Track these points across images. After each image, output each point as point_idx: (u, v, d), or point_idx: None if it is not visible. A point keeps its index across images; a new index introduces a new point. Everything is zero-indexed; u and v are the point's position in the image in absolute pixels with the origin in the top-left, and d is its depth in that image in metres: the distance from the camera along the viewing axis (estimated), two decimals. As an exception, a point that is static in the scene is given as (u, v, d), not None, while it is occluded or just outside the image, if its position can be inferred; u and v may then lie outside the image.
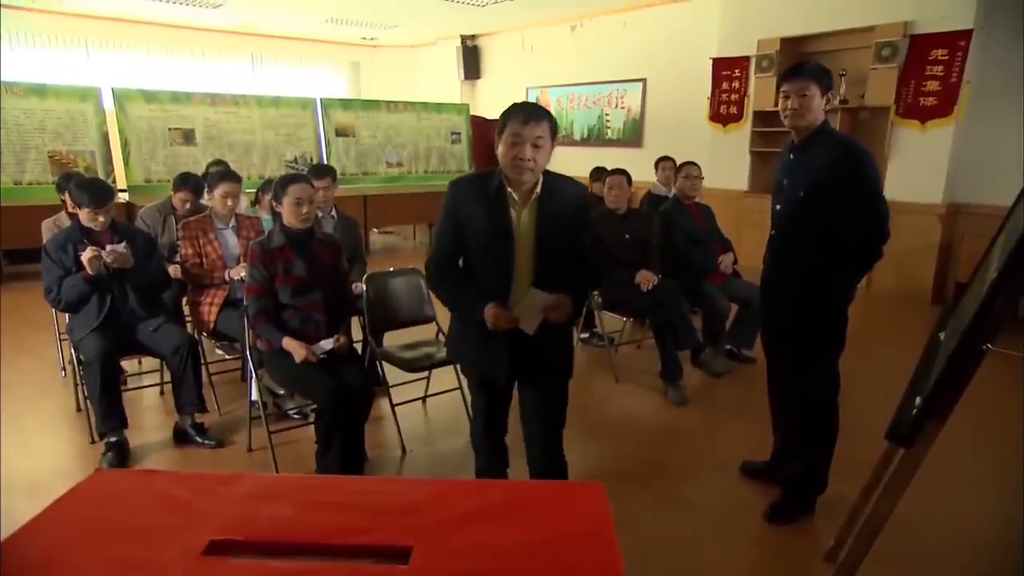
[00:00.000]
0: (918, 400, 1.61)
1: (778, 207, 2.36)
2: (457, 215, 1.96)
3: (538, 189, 1.93)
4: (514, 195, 1.92)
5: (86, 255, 2.82)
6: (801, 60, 2.30)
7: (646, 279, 3.74)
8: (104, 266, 2.86)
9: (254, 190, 4.71)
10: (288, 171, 7.94)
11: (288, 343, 2.62)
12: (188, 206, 3.96)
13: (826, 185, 2.15)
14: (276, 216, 2.77)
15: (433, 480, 0.72)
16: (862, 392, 3.51)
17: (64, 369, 3.79)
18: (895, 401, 1.93)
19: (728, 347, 4.10)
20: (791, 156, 2.32)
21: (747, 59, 6.71)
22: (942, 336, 1.95)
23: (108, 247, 2.85)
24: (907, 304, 5.56)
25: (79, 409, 3.29)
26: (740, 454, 2.87)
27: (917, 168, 5.45)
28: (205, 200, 3.95)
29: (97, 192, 2.91)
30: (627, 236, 3.90)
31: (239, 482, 0.74)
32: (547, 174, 1.96)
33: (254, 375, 2.93)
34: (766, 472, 2.70)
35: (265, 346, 2.72)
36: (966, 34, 5.18)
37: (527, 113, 1.83)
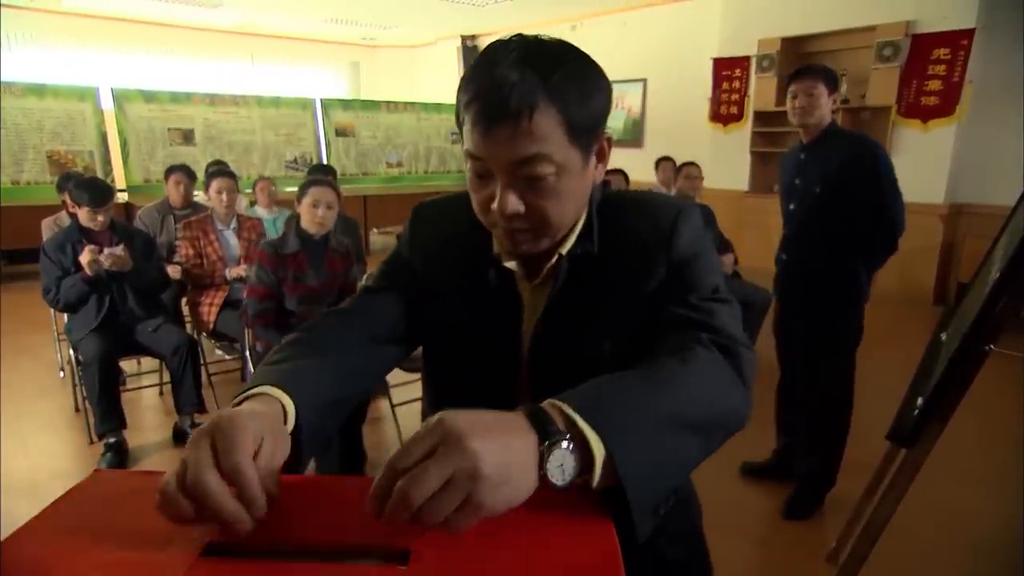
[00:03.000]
0: (919, 401, 1.61)
1: (791, 206, 2.40)
2: (419, 275, 0.95)
3: (567, 246, 0.85)
4: (511, 265, 0.87)
5: (84, 256, 2.81)
6: (809, 63, 2.37)
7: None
8: (103, 269, 2.85)
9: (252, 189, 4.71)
10: (288, 172, 7.97)
11: None
12: (182, 188, 3.93)
13: (844, 180, 2.21)
14: (295, 219, 2.73)
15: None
16: (863, 392, 3.49)
17: (63, 369, 3.78)
18: (896, 401, 1.93)
19: (728, 347, 4.08)
20: (802, 155, 2.37)
21: (748, 59, 6.71)
22: (943, 337, 1.94)
23: (106, 250, 2.84)
24: (909, 304, 5.55)
25: (78, 410, 3.28)
26: (740, 454, 2.87)
27: (919, 168, 5.44)
28: (203, 200, 3.96)
29: (96, 191, 2.91)
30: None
31: (238, 483, 0.73)
32: (612, 202, 0.89)
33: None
34: (767, 472, 2.71)
35: (263, 347, 2.70)
36: (968, 33, 5.18)
37: (495, 105, 0.72)
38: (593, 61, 0.78)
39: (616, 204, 0.89)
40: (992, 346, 1.41)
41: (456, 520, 0.55)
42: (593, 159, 0.82)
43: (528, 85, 0.72)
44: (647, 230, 0.85)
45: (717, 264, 0.89)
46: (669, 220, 0.85)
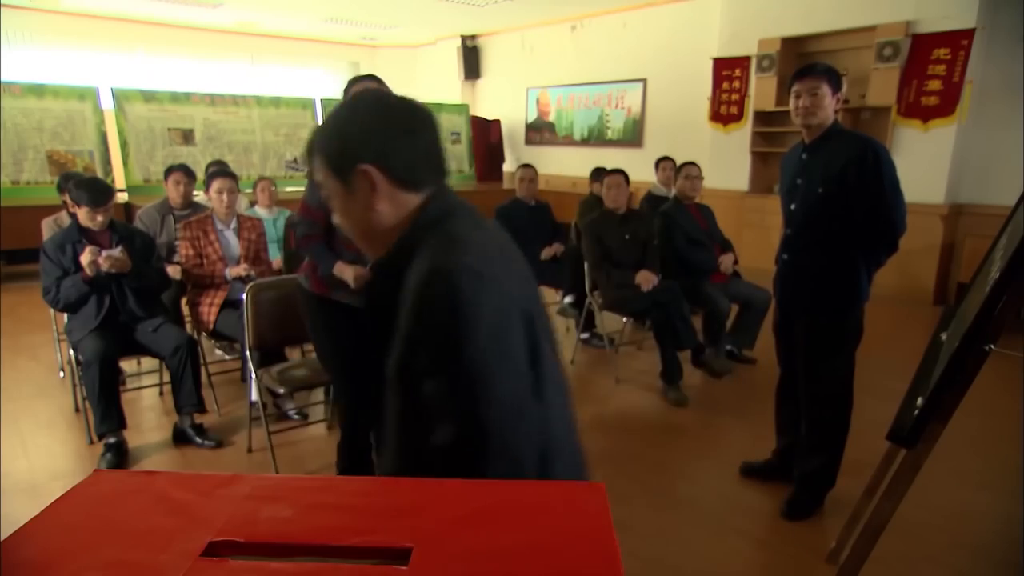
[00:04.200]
0: (919, 401, 1.61)
1: (793, 206, 2.39)
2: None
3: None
4: None
5: (85, 257, 2.81)
6: (813, 62, 2.34)
7: (646, 279, 3.73)
8: (102, 271, 2.86)
9: (252, 189, 4.71)
10: (288, 171, 7.96)
11: (341, 268, 2.28)
12: (182, 188, 3.93)
13: (847, 181, 2.20)
14: None
15: (433, 481, 0.73)
16: (863, 392, 3.49)
17: (63, 369, 3.78)
18: (897, 401, 1.93)
19: (728, 348, 4.09)
20: (804, 155, 2.36)
21: (748, 59, 6.71)
22: (943, 337, 1.94)
23: (104, 252, 2.84)
24: (909, 304, 5.56)
25: (77, 410, 3.28)
26: (740, 454, 2.87)
27: (919, 168, 5.44)
28: (203, 200, 3.95)
29: (96, 191, 2.91)
30: (627, 236, 3.90)
31: (238, 483, 0.74)
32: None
33: (254, 375, 2.92)
34: (767, 472, 2.71)
35: (312, 280, 2.35)
36: (968, 34, 5.18)
37: None
38: (372, 111, 0.99)
39: (427, 232, 0.97)
40: (992, 346, 1.41)
41: None
42: (364, 191, 0.97)
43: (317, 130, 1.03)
44: (414, 278, 0.92)
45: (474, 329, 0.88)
46: (422, 281, 0.90)
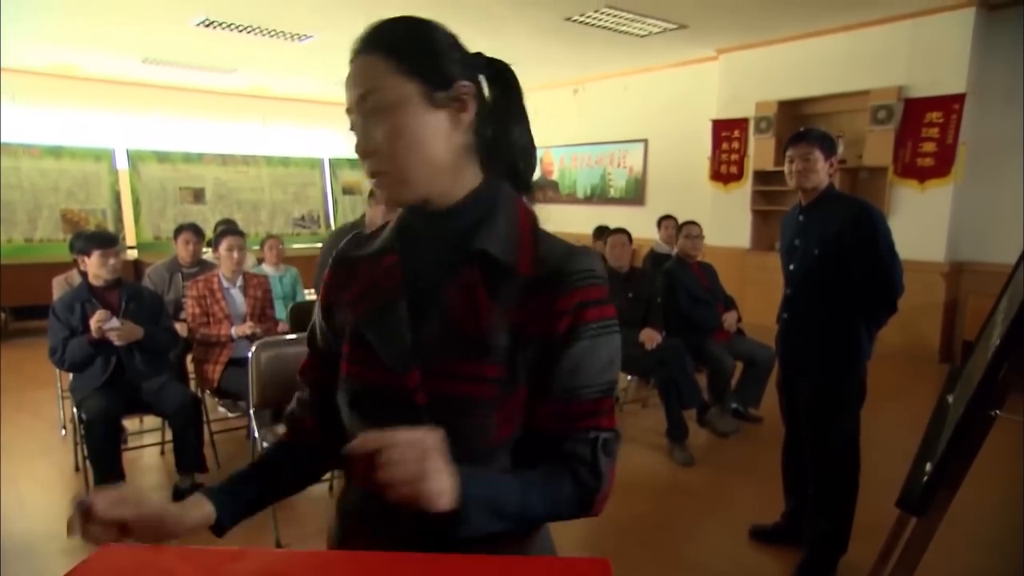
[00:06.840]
0: (928, 467, 1.59)
1: (792, 266, 2.43)
2: None
3: None
4: None
5: (93, 323, 2.84)
6: (807, 128, 2.42)
7: (650, 338, 3.74)
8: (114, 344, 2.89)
9: (260, 247, 4.78)
10: (296, 229, 8.08)
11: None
12: (191, 247, 4.01)
13: (843, 242, 2.24)
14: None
15: (438, 556, 0.73)
16: (873, 453, 3.44)
17: (64, 428, 3.76)
18: (906, 459, 1.90)
19: (734, 406, 4.06)
20: (801, 217, 2.41)
21: (746, 121, 6.89)
22: (950, 399, 1.93)
23: (105, 326, 2.86)
24: (915, 362, 5.52)
25: (77, 469, 3.25)
26: (749, 515, 2.81)
27: (918, 226, 5.51)
28: (211, 258, 4.02)
29: (102, 238, 3.00)
30: (630, 295, 3.93)
31: (245, 558, 0.74)
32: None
33: (257, 434, 2.90)
34: (777, 535, 2.65)
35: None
36: (959, 98, 5.32)
37: None
38: None
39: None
40: (998, 412, 1.40)
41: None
42: None
43: None
44: None
45: None
46: None
